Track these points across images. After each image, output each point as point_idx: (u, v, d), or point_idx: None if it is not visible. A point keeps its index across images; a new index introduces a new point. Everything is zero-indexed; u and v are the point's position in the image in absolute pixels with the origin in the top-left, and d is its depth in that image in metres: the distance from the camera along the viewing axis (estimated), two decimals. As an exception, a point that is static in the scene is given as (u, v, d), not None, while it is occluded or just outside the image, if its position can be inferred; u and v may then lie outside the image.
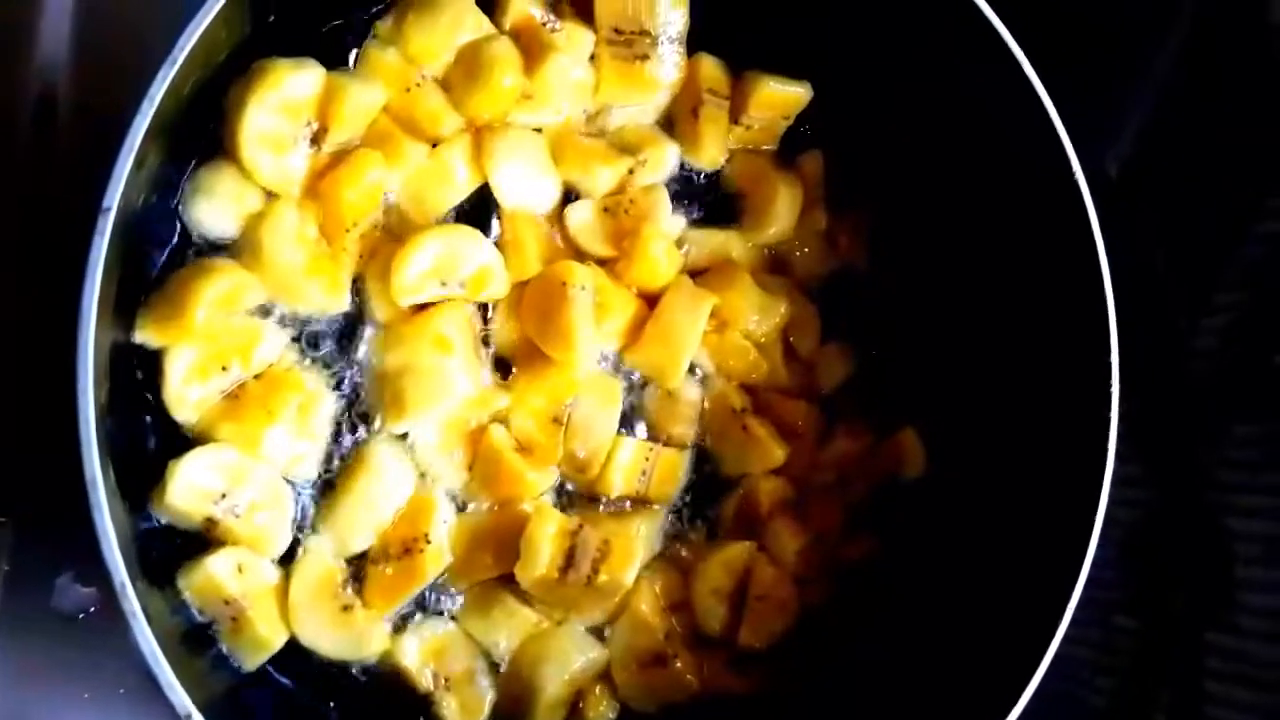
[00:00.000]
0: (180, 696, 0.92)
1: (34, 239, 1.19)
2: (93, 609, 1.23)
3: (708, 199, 1.36)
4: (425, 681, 1.22)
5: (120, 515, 0.98)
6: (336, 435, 1.23)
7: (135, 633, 0.91)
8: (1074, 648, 1.12)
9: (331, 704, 1.22)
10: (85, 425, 0.89)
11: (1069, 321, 1.19)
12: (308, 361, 1.22)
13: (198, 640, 1.14)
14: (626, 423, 1.29)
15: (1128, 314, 1.17)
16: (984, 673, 1.13)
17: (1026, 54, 1.14)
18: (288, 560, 1.19)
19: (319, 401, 1.20)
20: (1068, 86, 1.17)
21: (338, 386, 1.23)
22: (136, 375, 1.14)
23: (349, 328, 1.23)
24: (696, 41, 1.32)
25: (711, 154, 1.34)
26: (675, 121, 1.35)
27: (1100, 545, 1.12)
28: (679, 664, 1.27)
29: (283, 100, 1.15)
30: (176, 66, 0.93)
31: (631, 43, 1.29)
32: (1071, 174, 1.16)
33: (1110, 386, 1.15)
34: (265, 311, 1.20)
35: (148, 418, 1.14)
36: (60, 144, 1.21)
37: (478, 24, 1.24)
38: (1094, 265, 1.16)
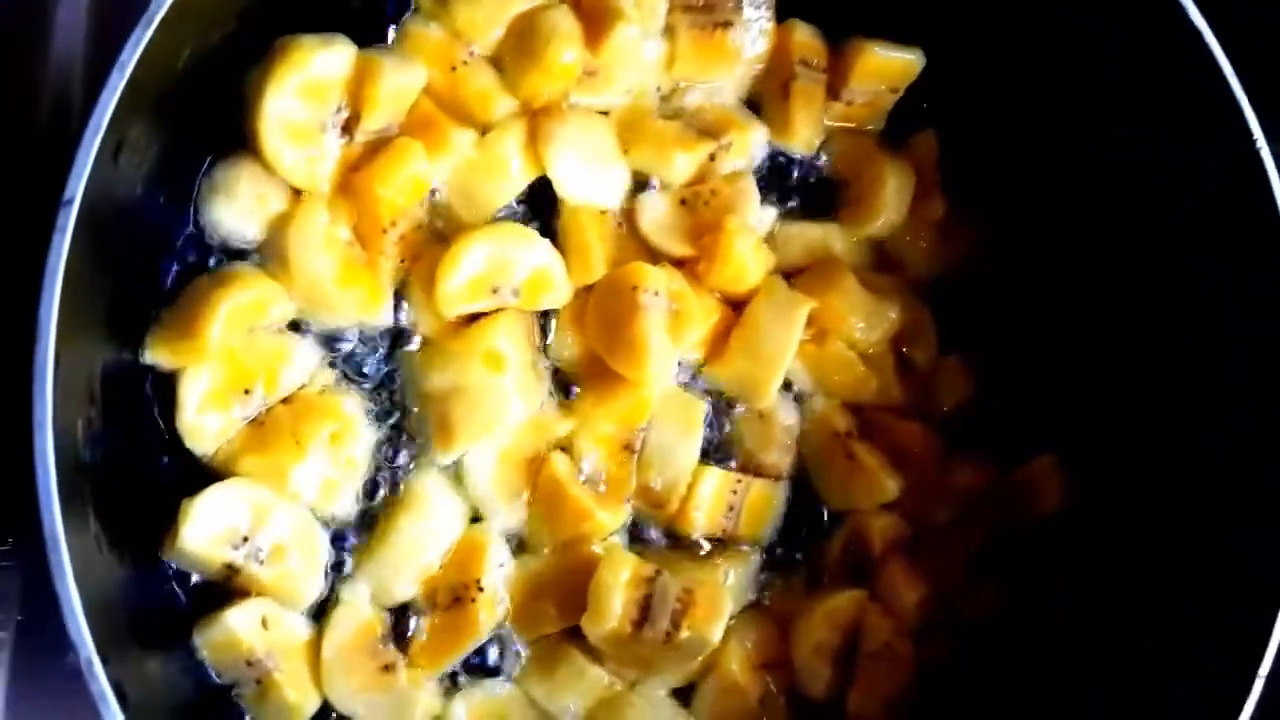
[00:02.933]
0: None
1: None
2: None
3: (803, 188, 1.28)
4: None
5: (102, 573, 0.88)
6: (377, 467, 1.13)
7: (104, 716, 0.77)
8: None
9: None
10: (43, 465, 0.77)
11: (1246, 331, 1.06)
12: (343, 384, 1.14)
13: (218, 708, 1.04)
14: (711, 451, 1.20)
15: None
16: None
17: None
18: (320, 613, 1.10)
19: (355, 429, 1.11)
20: (1241, 48, 1.05)
21: (378, 412, 1.14)
22: (147, 403, 1.06)
23: (390, 344, 1.15)
24: (787, 5, 1.24)
25: (805, 135, 1.25)
26: (763, 100, 1.27)
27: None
28: None
29: (308, 82, 1.07)
30: (153, 27, 0.82)
31: (712, 8, 1.21)
32: (1255, 151, 1.04)
33: None
34: (294, 327, 1.12)
35: (163, 457, 1.07)
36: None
37: (532, -10, 1.16)
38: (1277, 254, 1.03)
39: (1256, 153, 1.03)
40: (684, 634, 1.09)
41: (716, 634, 1.11)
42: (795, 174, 1.26)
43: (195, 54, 0.97)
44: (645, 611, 1.09)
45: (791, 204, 1.26)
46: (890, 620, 1.16)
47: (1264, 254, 1.03)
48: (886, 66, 1.23)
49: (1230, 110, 1.03)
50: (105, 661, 0.78)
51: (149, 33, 0.83)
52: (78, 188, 0.79)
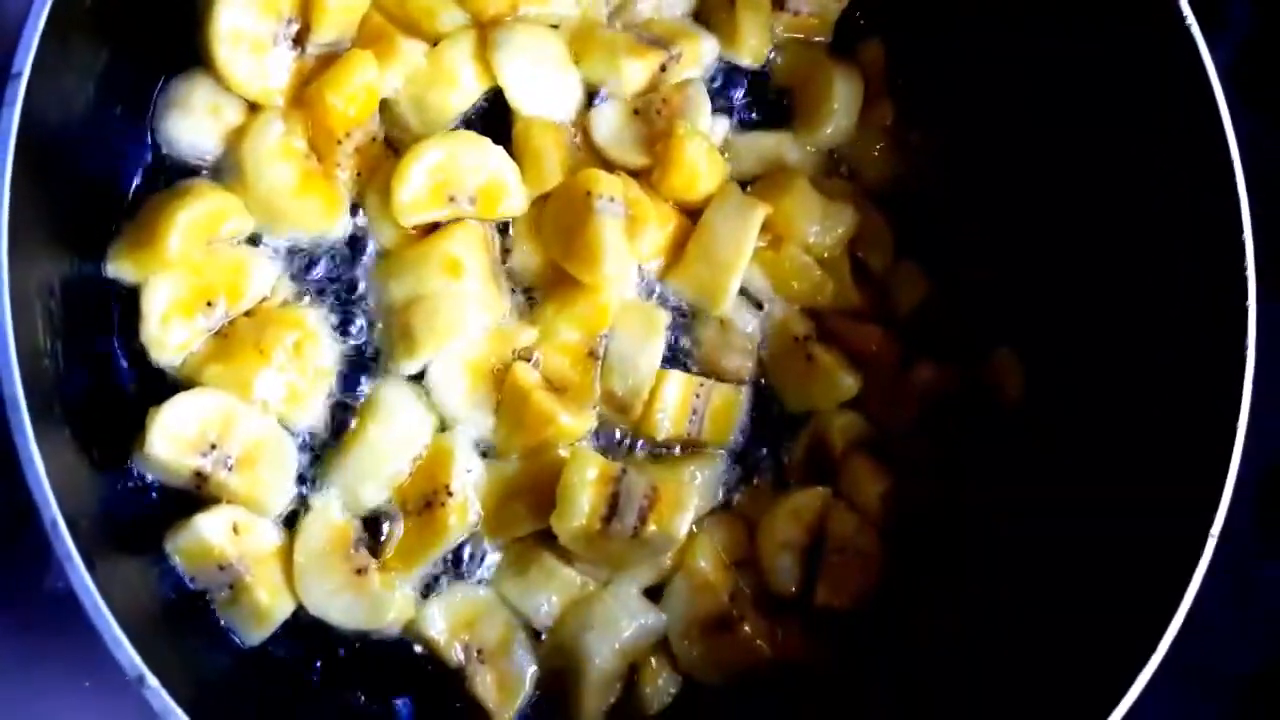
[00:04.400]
0: (128, 654, 0.79)
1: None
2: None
3: (756, 101, 1.27)
4: (455, 655, 1.12)
5: (70, 462, 0.88)
6: (345, 379, 1.13)
7: (74, 582, 0.78)
8: (1206, 605, 0.98)
9: (348, 684, 1.11)
10: (5, 358, 0.77)
11: (1193, 223, 1.07)
12: (306, 297, 1.13)
13: (191, 612, 1.05)
14: (675, 358, 1.19)
15: (1264, 209, 1.05)
16: (1096, 643, 1.01)
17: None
18: (292, 521, 1.10)
19: (319, 339, 1.11)
20: None
21: (341, 323, 1.14)
22: (112, 317, 1.06)
23: (351, 257, 1.15)
24: None
25: (753, 46, 1.25)
26: (710, 11, 1.26)
27: (1235, 484, 0.99)
28: (746, 629, 1.16)
29: None
30: None
31: None
32: (1194, 46, 1.04)
33: (1246, 294, 1.02)
34: (255, 240, 1.12)
35: (131, 370, 1.07)
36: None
37: (478, -96, 1.15)
38: (1220, 144, 1.03)
39: (1193, 40, 1.04)
40: (650, 529, 1.09)
41: (682, 529, 1.11)
42: (746, 85, 1.25)
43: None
44: (612, 509, 1.09)
45: (745, 117, 1.25)
46: (854, 515, 1.17)
47: (1210, 160, 1.03)
48: None
49: (1173, 18, 1.04)
50: (72, 526, 0.78)
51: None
52: (25, 62, 0.79)
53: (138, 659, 0.79)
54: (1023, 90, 1.22)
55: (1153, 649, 0.95)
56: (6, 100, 0.78)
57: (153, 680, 0.80)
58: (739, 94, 1.25)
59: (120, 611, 0.80)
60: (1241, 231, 1.03)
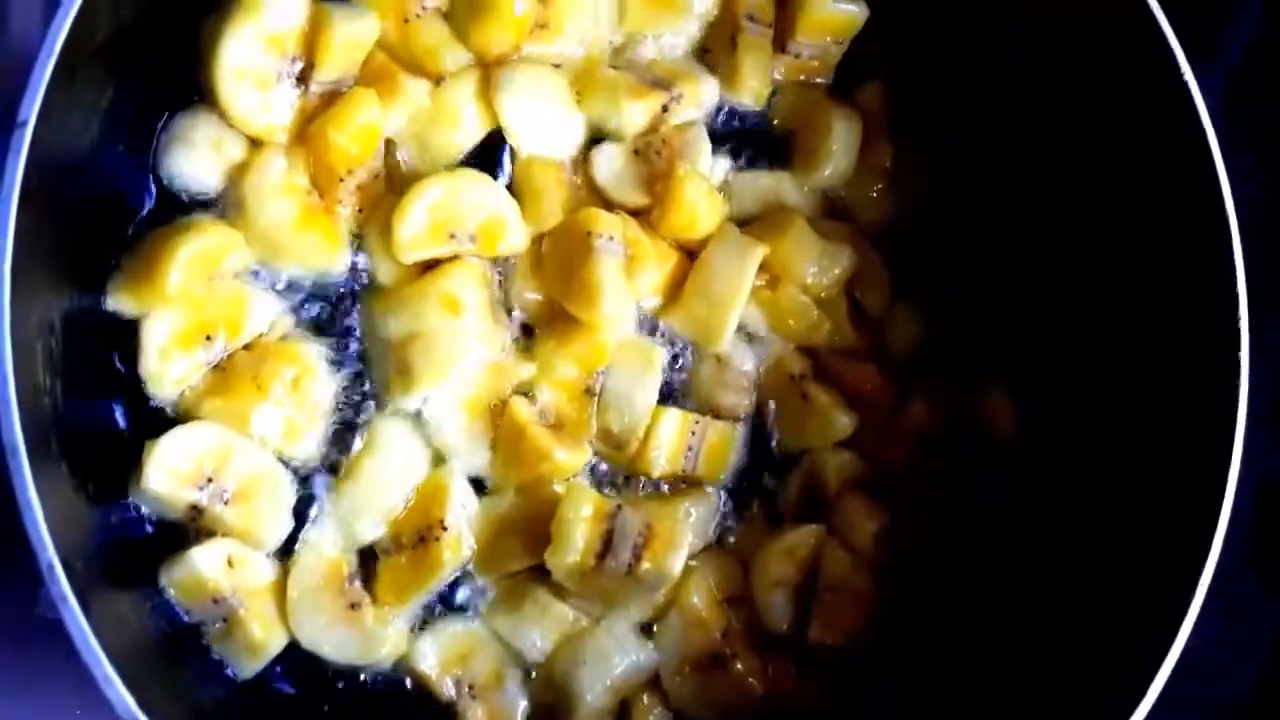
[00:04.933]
0: (119, 693, 0.79)
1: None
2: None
3: (756, 141, 1.26)
4: (447, 690, 1.12)
5: (67, 499, 0.88)
6: (342, 414, 1.13)
7: (69, 623, 0.78)
8: (1197, 636, 0.99)
9: (340, 717, 1.11)
10: (3, 393, 0.77)
11: (1185, 262, 1.08)
12: (304, 331, 1.14)
13: (185, 646, 1.05)
14: (672, 394, 1.19)
15: (1256, 250, 1.05)
16: (1094, 678, 1.01)
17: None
18: (287, 554, 1.10)
19: (316, 374, 1.12)
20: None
21: (340, 358, 1.15)
22: (111, 350, 1.06)
23: (351, 292, 1.15)
24: None
25: (754, 87, 1.24)
26: (713, 53, 1.25)
27: (1229, 522, 1.00)
28: (739, 666, 1.16)
29: (263, 32, 1.07)
30: None
31: None
32: (1185, 87, 1.05)
33: (1239, 331, 1.03)
34: (255, 275, 1.12)
35: (128, 403, 1.07)
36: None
37: (484, -56, 1.15)
38: (1214, 191, 1.04)
39: (1190, 98, 1.05)
40: (645, 566, 1.09)
41: (676, 567, 1.11)
42: (747, 127, 1.25)
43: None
44: (607, 546, 1.09)
45: (745, 157, 1.25)
46: (848, 554, 1.17)
47: (1200, 196, 1.04)
48: (831, 20, 1.22)
49: (1165, 59, 1.05)
50: (68, 568, 0.79)
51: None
52: (31, 110, 0.79)
53: (130, 700, 0.79)
54: (1019, 134, 1.22)
55: (1147, 686, 0.95)
56: (12, 149, 0.78)
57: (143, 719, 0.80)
58: (739, 134, 1.26)
59: (112, 649, 0.80)
60: (1234, 277, 1.03)
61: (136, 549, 1.03)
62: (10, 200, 0.78)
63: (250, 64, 1.07)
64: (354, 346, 1.14)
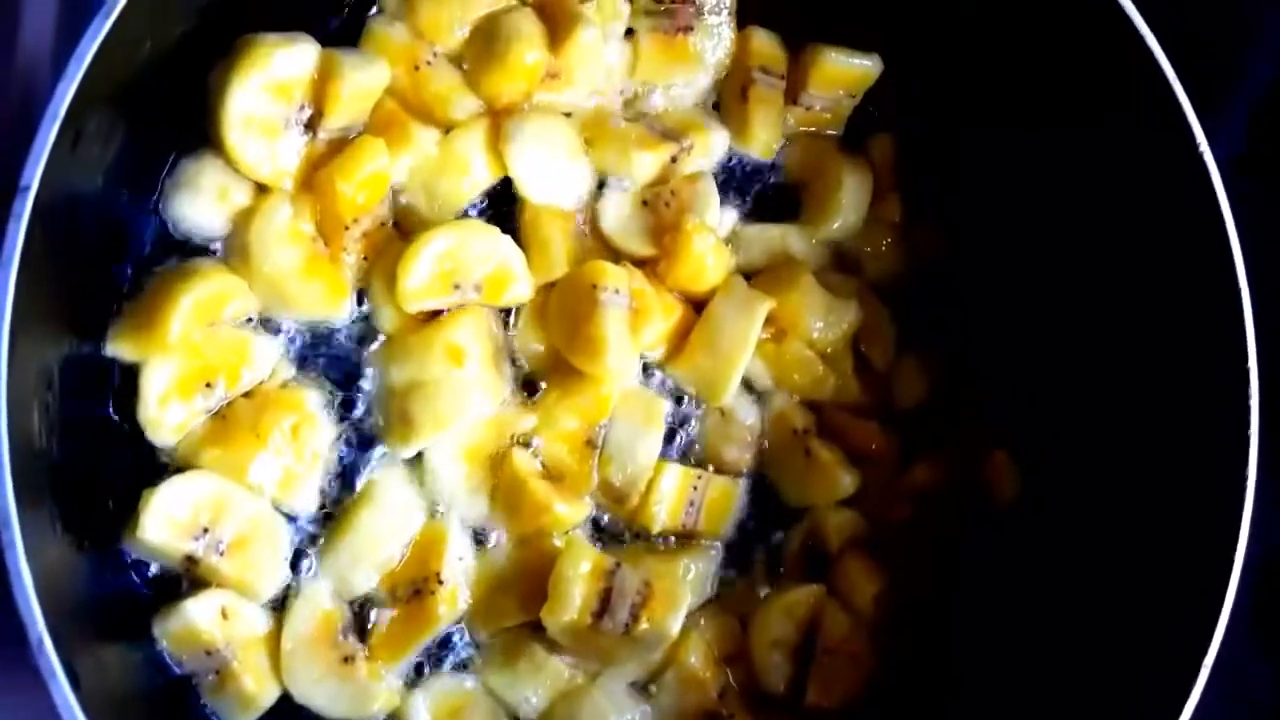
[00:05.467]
0: None
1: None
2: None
3: (764, 193, 1.27)
4: None
5: (58, 559, 0.88)
6: (340, 462, 1.13)
7: (56, 700, 0.76)
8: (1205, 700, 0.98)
9: None
10: None
11: (1195, 322, 1.08)
12: (305, 379, 1.13)
13: (177, 699, 1.04)
14: (672, 447, 1.19)
15: (1267, 316, 1.05)
16: None
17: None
18: (281, 605, 1.09)
19: (316, 423, 1.11)
20: (1181, 51, 1.07)
21: (340, 406, 1.14)
22: (109, 395, 1.05)
23: (353, 340, 1.15)
24: (747, 12, 1.24)
25: (764, 140, 1.25)
26: (723, 104, 1.26)
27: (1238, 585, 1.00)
28: None
29: (271, 81, 1.07)
30: (111, 19, 0.82)
31: (673, 13, 1.22)
32: (1196, 148, 1.05)
33: (1249, 397, 1.02)
34: (257, 322, 1.12)
35: (125, 450, 1.06)
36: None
37: (496, -8, 1.16)
38: (1224, 252, 1.04)
39: (1200, 156, 1.04)
40: (643, 626, 1.09)
41: (675, 627, 1.10)
42: (756, 178, 1.25)
43: (156, 49, 0.97)
44: (605, 604, 1.08)
45: (753, 208, 1.25)
46: (848, 615, 1.16)
47: (1210, 257, 1.04)
48: (843, 73, 1.22)
49: (1175, 118, 1.05)
50: (57, 639, 0.77)
51: (107, 25, 0.83)
52: (34, 175, 0.79)
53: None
54: (1029, 191, 1.22)
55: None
56: (14, 214, 0.77)
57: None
58: (748, 185, 1.25)
59: (101, 715, 0.79)
60: (1245, 352, 1.03)
61: (129, 601, 1.03)
62: (10, 265, 0.77)
63: (258, 111, 1.06)
64: (354, 394, 1.13)
